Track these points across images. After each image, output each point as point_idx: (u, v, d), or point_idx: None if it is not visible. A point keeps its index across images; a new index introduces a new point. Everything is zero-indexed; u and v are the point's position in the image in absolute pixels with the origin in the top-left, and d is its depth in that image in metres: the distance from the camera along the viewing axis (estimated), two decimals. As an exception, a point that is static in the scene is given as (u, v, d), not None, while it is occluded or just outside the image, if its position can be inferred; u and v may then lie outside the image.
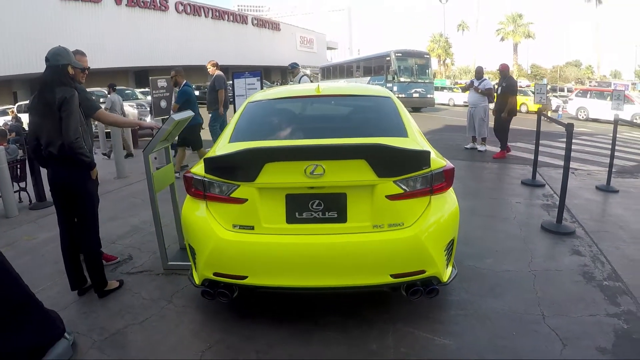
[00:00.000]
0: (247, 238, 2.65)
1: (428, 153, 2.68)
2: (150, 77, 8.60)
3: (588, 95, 22.84)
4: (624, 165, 9.35)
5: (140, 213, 5.67)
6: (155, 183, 3.67)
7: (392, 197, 2.62)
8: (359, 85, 4.72)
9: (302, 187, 2.60)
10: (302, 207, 2.64)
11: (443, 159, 2.91)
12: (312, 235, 2.64)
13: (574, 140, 12.97)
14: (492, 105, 9.88)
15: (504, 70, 9.42)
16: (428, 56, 25.57)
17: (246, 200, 2.64)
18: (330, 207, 2.63)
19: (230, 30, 41.50)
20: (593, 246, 4.44)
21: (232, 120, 3.51)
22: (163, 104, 8.52)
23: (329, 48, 66.66)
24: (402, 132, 3.19)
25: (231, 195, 2.67)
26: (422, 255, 2.63)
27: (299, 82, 9.51)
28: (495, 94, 9.71)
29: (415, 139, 3.10)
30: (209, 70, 8.72)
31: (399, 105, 3.60)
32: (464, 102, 27.89)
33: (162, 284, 3.67)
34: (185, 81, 7.67)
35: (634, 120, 19.55)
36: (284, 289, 2.77)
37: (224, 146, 3.10)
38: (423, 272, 2.65)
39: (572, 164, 9.32)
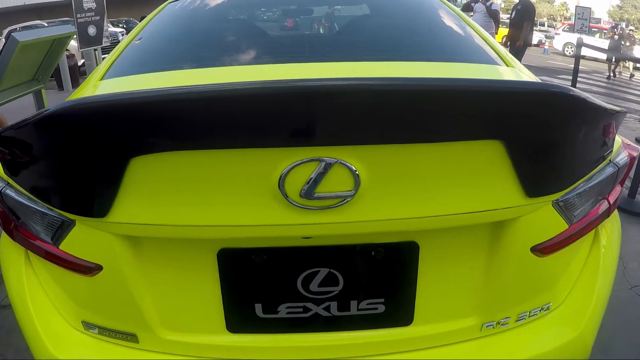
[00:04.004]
0: None
1: (623, 113, 1.09)
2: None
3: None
4: (635, 108, 8.09)
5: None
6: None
7: (546, 248, 1.05)
8: None
9: (278, 235, 0.98)
10: (277, 289, 1.07)
11: None
12: None
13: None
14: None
15: (520, -9, 7.86)
16: None
17: (99, 268, 1.02)
18: (366, 284, 1.07)
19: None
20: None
21: (131, 32, 1.82)
22: (92, 30, 6.59)
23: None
24: (488, 55, 1.54)
25: (62, 248, 1.04)
26: None
27: None
28: (500, 26, 8.20)
29: (523, 71, 1.48)
30: None
31: (451, 5, 1.95)
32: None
33: None
34: None
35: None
36: None
37: (83, 91, 1.46)
38: None
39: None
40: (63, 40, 2.30)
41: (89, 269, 1.02)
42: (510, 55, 1.62)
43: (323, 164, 0.85)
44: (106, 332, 1.11)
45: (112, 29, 11.85)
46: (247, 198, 0.91)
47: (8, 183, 1.07)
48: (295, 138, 0.85)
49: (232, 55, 1.61)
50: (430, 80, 0.94)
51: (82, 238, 1.01)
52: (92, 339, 1.13)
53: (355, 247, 1.03)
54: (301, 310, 1.06)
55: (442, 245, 1.05)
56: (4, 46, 1.92)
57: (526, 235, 1.04)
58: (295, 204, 0.88)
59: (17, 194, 1.05)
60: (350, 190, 0.88)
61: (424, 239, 1.02)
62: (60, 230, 1.02)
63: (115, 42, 11.54)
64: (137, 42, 1.68)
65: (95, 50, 7.08)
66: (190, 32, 1.77)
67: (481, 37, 1.69)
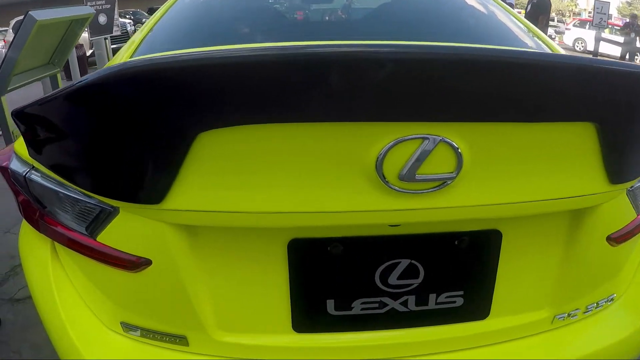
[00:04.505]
0: None
1: None
2: (83, -17, 6.54)
3: (587, 26, 21.39)
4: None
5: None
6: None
7: (619, 237, 1.02)
8: None
9: (367, 223, 0.86)
10: (353, 283, 0.94)
11: None
12: None
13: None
14: None
15: (536, -17, 7.73)
16: None
17: (147, 263, 0.89)
18: (446, 276, 0.97)
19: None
20: None
21: (154, 16, 1.67)
22: (102, 19, 6.53)
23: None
24: (523, 38, 1.54)
25: (100, 240, 0.91)
26: None
27: None
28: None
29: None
30: None
31: None
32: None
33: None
34: None
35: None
36: None
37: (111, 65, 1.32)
38: None
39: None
40: (80, 22, 2.20)
41: (134, 264, 0.89)
42: (554, 43, 1.59)
43: (427, 142, 0.74)
44: (150, 334, 0.98)
45: (120, 19, 11.77)
46: (332, 180, 0.78)
47: (33, 167, 0.97)
48: (397, 111, 0.72)
49: (282, 33, 1.51)
50: (544, 55, 0.90)
51: (127, 228, 0.88)
52: (132, 341, 1.00)
53: (440, 236, 0.93)
54: (377, 305, 0.95)
55: (523, 234, 0.97)
56: (16, 34, 1.81)
57: (603, 224, 0.99)
58: (394, 187, 0.77)
59: (43, 178, 0.94)
60: (452, 172, 0.78)
61: (507, 227, 0.94)
62: (99, 219, 0.89)
63: (124, 32, 11.50)
64: (164, 22, 1.58)
65: (105, 39, 7.02)
66: (227, 11, 1.68)
67: (514, 18, 1.69)
